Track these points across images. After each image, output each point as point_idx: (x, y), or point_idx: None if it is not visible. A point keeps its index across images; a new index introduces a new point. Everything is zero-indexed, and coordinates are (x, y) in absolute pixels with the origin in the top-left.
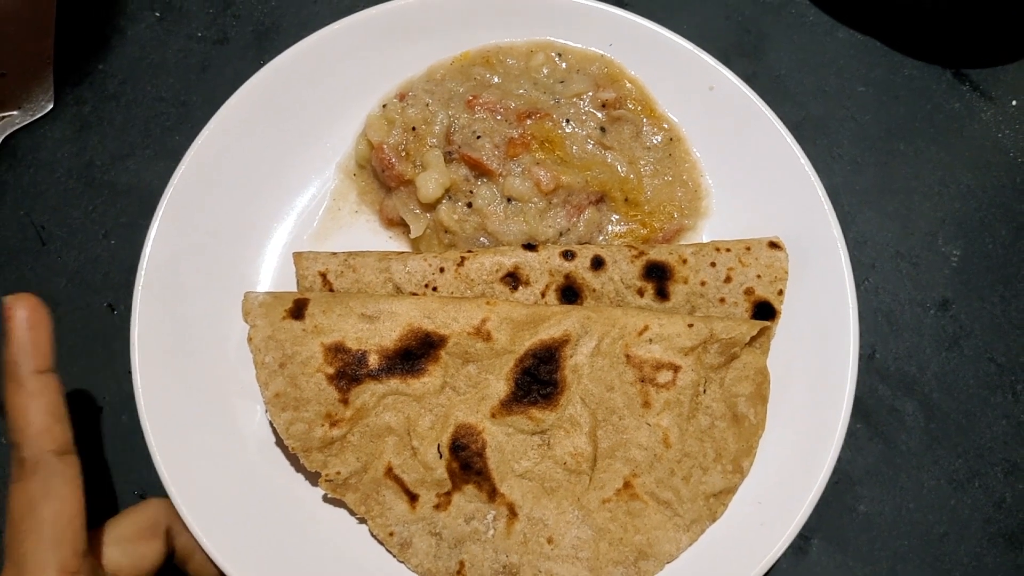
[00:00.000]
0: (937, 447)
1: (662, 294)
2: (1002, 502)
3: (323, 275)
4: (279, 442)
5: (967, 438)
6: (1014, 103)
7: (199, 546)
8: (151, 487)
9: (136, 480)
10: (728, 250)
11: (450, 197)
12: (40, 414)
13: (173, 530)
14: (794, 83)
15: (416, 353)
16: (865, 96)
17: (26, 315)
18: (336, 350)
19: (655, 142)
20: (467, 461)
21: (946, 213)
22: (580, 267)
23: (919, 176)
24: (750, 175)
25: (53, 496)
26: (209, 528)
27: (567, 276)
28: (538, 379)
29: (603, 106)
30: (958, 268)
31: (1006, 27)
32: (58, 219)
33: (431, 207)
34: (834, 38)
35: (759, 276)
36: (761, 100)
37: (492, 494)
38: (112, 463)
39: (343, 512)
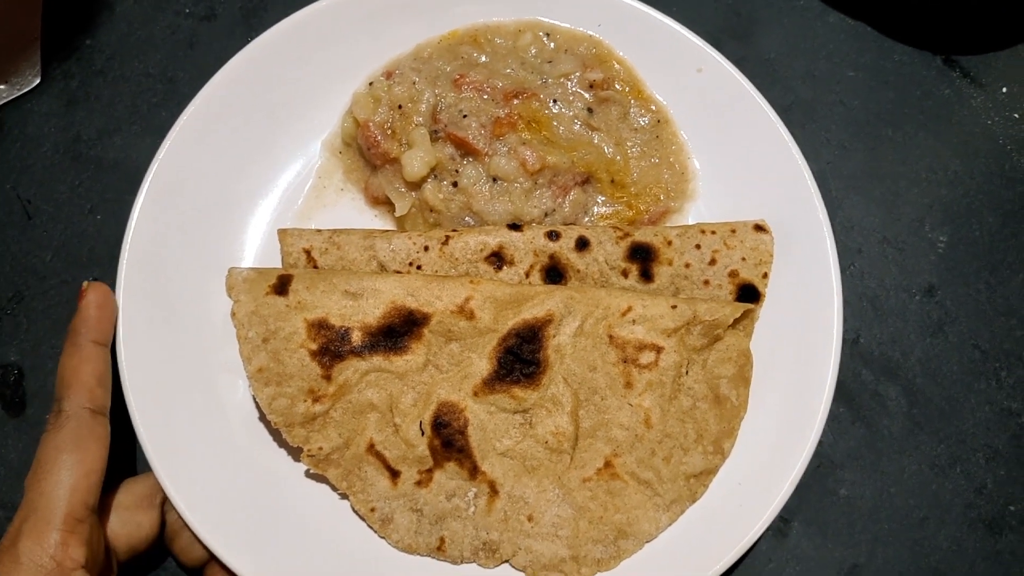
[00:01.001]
0: (919, 432)
1: (646, 275)
2: (983, 488)
3: (307, 252)
4: (262, 417)
5: (950, 424)
6: (1004, 90)
7: (185, 528)
8: (135, 461)
9: (121, 454)
10: (713, 232)
11: (435, 176)
12: (88, 375)
13: (167, 505)
14: (784, 67)
15: (399, 331)
16: (855, 81)
17: (96, 297)
18: (319, 326)
19: (642, 123)
20: (449, 439)
21: (933, 199)
22: (565, 247)
23: (907, 162)
24: (737, 158)
25: (79, 448)
26: (192, 502)
27: (552, 256)
28: (521, 358)
29: (591, 87)
30: (944, 254)
31: (997, 14)
32: (44, 193)
33: (416, 186)
34: (824, 22)
35: (744, 259)
36: (750, 83)
37: (473, 472)
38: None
39: (325, 488)
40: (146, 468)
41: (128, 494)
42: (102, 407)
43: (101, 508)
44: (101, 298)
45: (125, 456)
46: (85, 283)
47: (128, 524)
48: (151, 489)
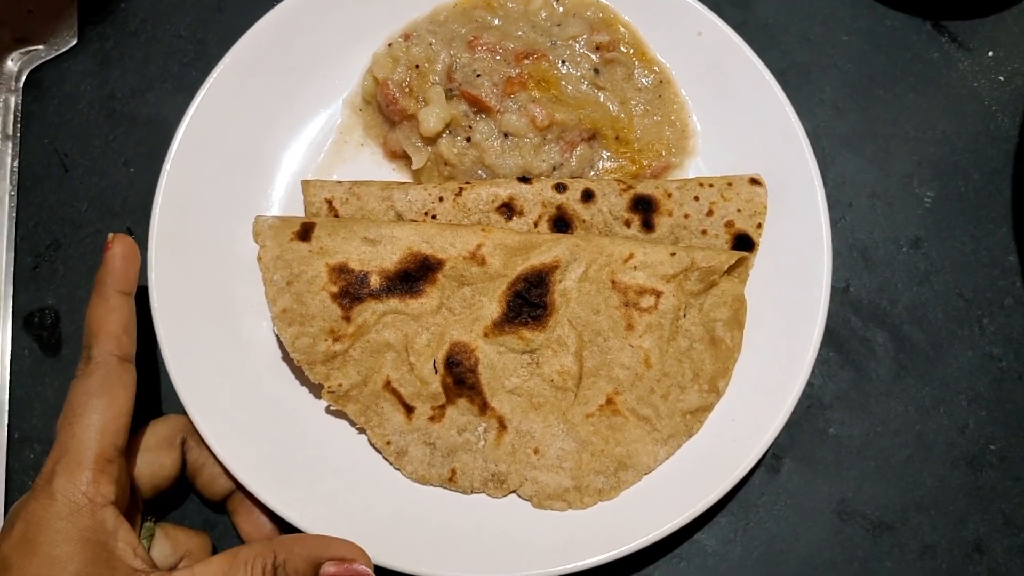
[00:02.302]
0: (905, 376)
1: (648, 225)
2: (965, 428)
3: (329, 202)
4: (285, 356)
5: (934, 368)
6: (990, 54)
7: (208, 462)
8: (166, 398)
9: (153, 390)
10: (711, 185)
11: (450, 131)
12: (114, 324)
13: (188, 444)
14: (781, 31)
15: (415, 275)
16: (848, 45)
17: (122, 249)
18: (340, 270)
19: (646, 84)
20: (460, 376)
21: (922, 157)
22: (571, 199)
23: (897, 122)
24: (735, 116)
25: (108, 393)
26: (219, 434)
27: (559, 207)
28: (529, 302)
29: (597, 49)
30: (931, 209)
31: None
32: (80, 148)
33: (432, 141)
34: None
35: (739, 210)
36: (748, 46)
37: (483, 408)
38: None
39: (344, 422)
40: (153, 416)
41: (150, 436)
42: (129, 354)
43: (127, 450)
44: (127, 249)
45: (151, 401)
46: (110, 235)
47: (152, 464)
48: (171, 430)
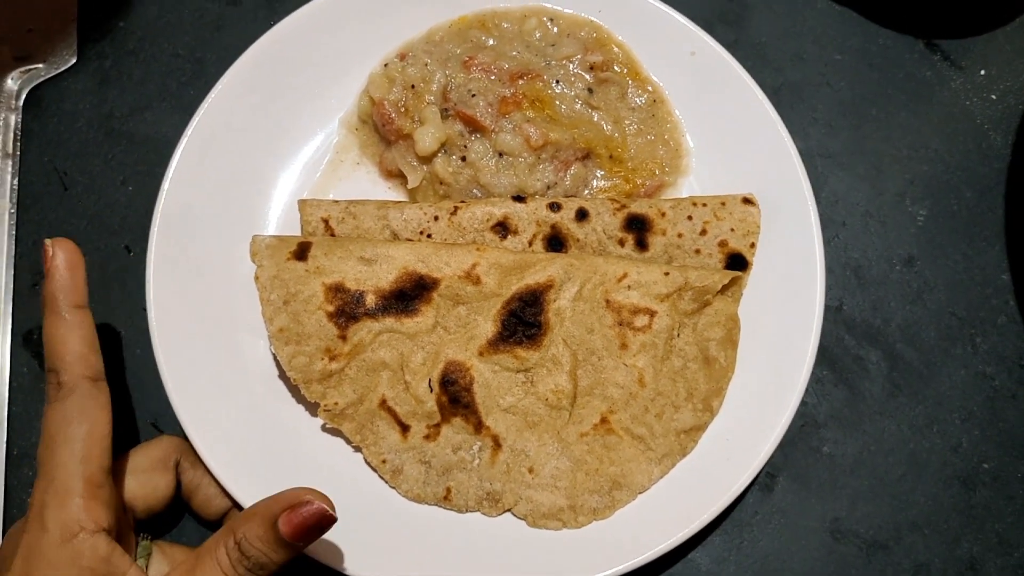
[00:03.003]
0: (899, 394)
1: (641, 245)
2: (958, 446)
3: (325, 221)
4: (282, 374)
5: (927, 386)
6: (982, 72)
7: (204, 482)
8: (163, 416)
9: (150, 409)
10: (704, 205)
11: (445, 151)
12: (77, 343)
13: (182, 465)
14: (774, 50)
15: (410, 294)
16: (841, 64)
17: (65, 256)
18: (336, 290)
19: (639, 103)
20: (456, 395)
21: (914, 175)
22: (565, 218)
23: (890, 140)
24: (728, 136)
25: (86, 416)
26: (215, 453)
27: (553, 226)
28: (523, 321)
29: (591, 68)
30: (924, 227)
31: (976, 1)
32: (79, 166)
33: (427, 160)
34: (813, 8)
35: (733, 229)
36: (741, 66)
37: (478, 426)
38: (128, 393)
39: (340, 441)
40: (150, 435)
41: (143, 458)
42: (98, 372)
43: (116, 472)
44: (70, 256)
45: (132, 427)
46: (47, 241)
47: (145, 486)
48: (165, 452)
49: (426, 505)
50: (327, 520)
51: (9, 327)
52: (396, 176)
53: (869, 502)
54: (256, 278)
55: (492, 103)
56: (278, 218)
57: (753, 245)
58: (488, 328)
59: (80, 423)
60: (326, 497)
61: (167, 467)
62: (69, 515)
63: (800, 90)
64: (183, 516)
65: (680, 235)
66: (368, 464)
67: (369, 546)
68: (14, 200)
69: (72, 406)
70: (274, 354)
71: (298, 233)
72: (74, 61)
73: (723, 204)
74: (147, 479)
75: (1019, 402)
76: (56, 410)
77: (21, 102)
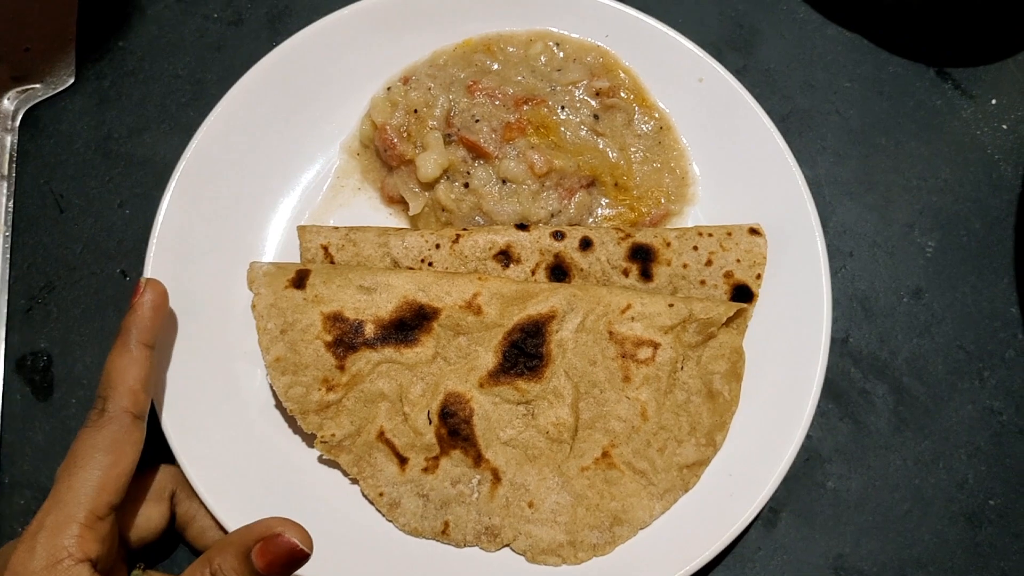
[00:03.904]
0: (905, 429)
1: (646, 275)
2: (964, 483)
3: (325, 248)
4: (278, 404)
5: (934, 421)
6: (993, 102)
7: (199, 514)
8: (157, 445)
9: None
10: (710, 235)
11: (448, 177)
12: (133, 378)
13: (177, 496)
14: (783, 77)
15: (410, 324)
16: (850, 91)
17: (153, 297)
18: (335, 319)
19: (646, 130)
20: (455, 427)
21: (923, 206)
22: (569, 247)
23: (899, 169)
24: (735, 164)
25: (116, 450)
26: (209, 484)
27: (556, 255)
28: (525, 352)
29: (597, 94)
30: (932, 259)
31: (988, 28)
32: (76, 188)
33: (430, 186)
34: (823, 35)
35: (739, 260)
36: (748, 93)
37: (478, 459)
38: None
39: (337, 473)
40: (145, 464)
41: (139, 489)
42: (143, 412)
43: None
44: (158, 299)
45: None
46: (143, 280)
47: (140, 516)
48: (160, 483)
49: (424, 539)
50: (299, 555)
51: (2, 352)
52: (398, 202)
53: (873, 539)
54: (253, 306)
55: (496, 129)
56: (277, 243)
57: (759, 276)
58: (489, 359)
59: (107, 453)
60: (301, 528)
61: (161, 498)
62: (60, 542)
63: (809, 118)
64: (177, 546)
65: (685, 265)
66: (366, 497)
67: None
68: (9, 222)
69: (106, 435)
70: (271, 384)
71: (298, 259)
72: (72, 81)
73: (729, 234)
74: (141, 510)
75: None
76: (89, 434)
77: (18, 123)
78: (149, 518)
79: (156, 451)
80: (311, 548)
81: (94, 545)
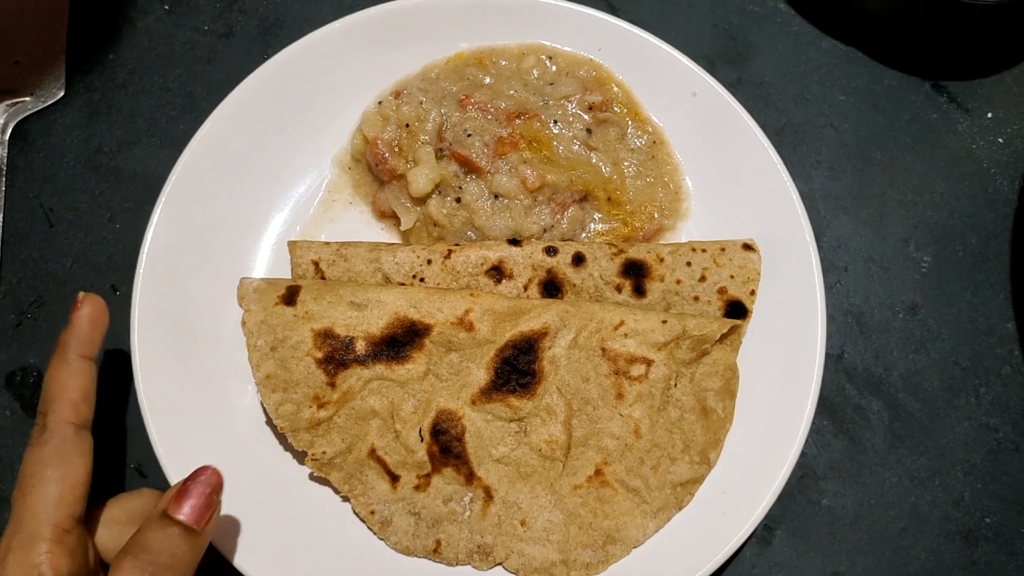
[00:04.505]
0: (900, 446)
1: (639, 291)
2: (960, 500)
3: (316, 263)
4: (269, 422)
5: (929, 438)
6: (989, 115)
7: None
8: (147, 461)
9: (133, 454)
10: (704, 250)
11: (440, 192)
12: (73, 390)
13: None
14: (777, 90)
15: (401, 341)
16: (845, 105)
17: (91, 310)
18: (325, 335)
19: (639, 144)
20: (447, 445)
21: (919, 220)
22: (562, 263)
23: (894, 184)
24: (729, 179)
25: (63, 462)
26: None
27: (549, 271)
28: (517, 369)
29: (590, 108)
30: (928, 274)
31: (984, 42)
32: (66, 202)
33: (421, 201)
34: (818, 48)
35: (732, 276)
36: (742, 107)
37: (470, 477)
38: (111, 437)
39: (328, 490)
40: (134, 480)
41: (120, 509)
42: (86, 421)
43: (90, 521)
44: (96, 312)
45: (115, 472)
46: (80, 294)
47: (117, 538)
48: (143, 505)
49: (416, 558)
50: (213, 480)
51: None
52: (389, 217)
53: (869, 556)
54: (243, 323)
55: (488, 143)
56: (268, 258)
57: (753, 292)
58: (481, 376)
59: (57, 467)
60: (212, 472)
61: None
62: (30, 560)
63: (803, 131)
64: None
65: (679, 281)
66: (357, 515)
67: None
68: None
69: (51, 450)
70: (261, 401)
71: (288, 273)
72: (62, 94)
73: (723, 250)
74: (119, 531)
75: (1023, 455)
76: (35, 452)
77: (7, 136)
78: None
79: (146, 467)
80: (221, 479)
81: (64, 559)
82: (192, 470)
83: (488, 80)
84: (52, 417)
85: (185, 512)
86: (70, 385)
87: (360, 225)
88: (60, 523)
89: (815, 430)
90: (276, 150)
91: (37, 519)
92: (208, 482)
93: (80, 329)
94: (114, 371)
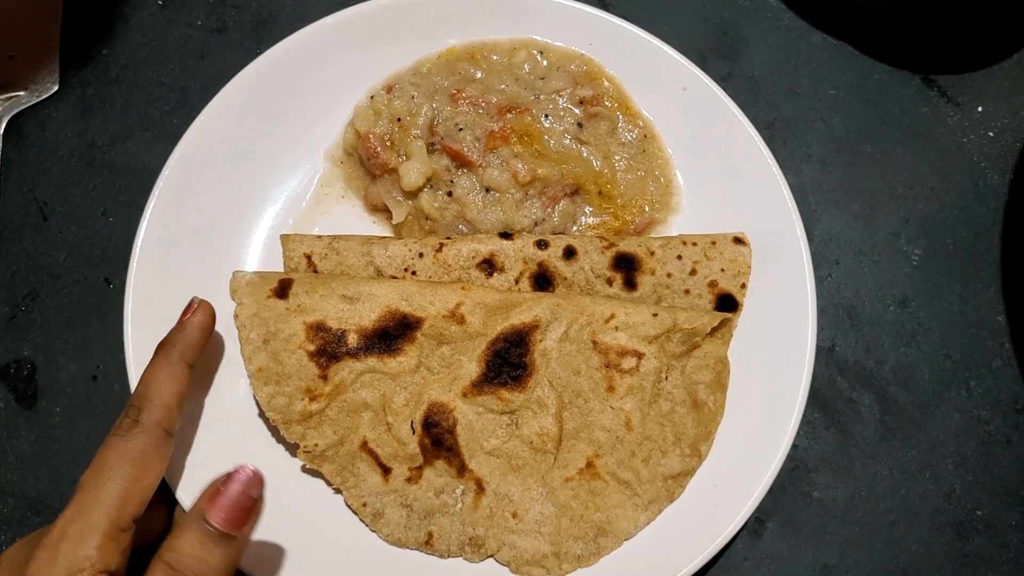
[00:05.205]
0: (891, 438)
1: (630, 284)
2: (951, 493)
3: (308, 257)
4: (261, 414)
5: (920, 431)
6: (979, 109)
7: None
8: None
9: None
10: (694, 244)
11: (432, 186)
12: (170, 394)
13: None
14: (768, 84)
15: (393, 334)
16: (836, 99)
17: (202, 318)
18: (317, 328)
19: (630, 138)
20: (438, 437)
21: (909, 213)
22: (553, 256)
23: (885, 177)
24: (719, 173)
25: (144, 463)
26: (191, 493)
27: (540, 264)
28: (508, 362)
29: (581, 103)
30: (918, 267)
31: (974, 35)
32: (60, 196)
33: (413, 195)
34: (808, 42)
35: (723, 270)
36: (732, 101)
37: (461, 469)
38: (104, 430)
39: (319, 483)
40: None
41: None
42: (173, 428)
43: None
44: (206, 321)
45: None
46: (195, 299)
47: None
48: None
49: (407, 550)
50: (253, 486)
51: None
52: (381, 210)
53: (860, 549)
54: (236, 316)
55: (480, 137)
56: (261, 251)
57: (744, 286)
58: (472, 369)
59: (136, 465)
60: (244, 468)
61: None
62: (82, 552)
63: (794, 125)
64: None
65: (669, 275)
66: (349, 507)
67: None
68: None
69: (136, 445)
70: (254, 394)
71: (281, 266)
72: (56, 89)
73: (713, 243)
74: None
75: (1014, 448)
76: (120, 443)
77: (1, 130)
78: (149, 530)
79: None
80: (262, 480)
81: (115, 557)
82: (228, 469)
83: (479, 75)
84: (146, 415)
85: (220, 517)
86: (168, 387)
87: (352, 219)
88: (120, 521)
89: (806, 423)
90: (269, 144)
91: (101, 510)
92: (245, 481)
93: (190, 335)
94: (108, 363)
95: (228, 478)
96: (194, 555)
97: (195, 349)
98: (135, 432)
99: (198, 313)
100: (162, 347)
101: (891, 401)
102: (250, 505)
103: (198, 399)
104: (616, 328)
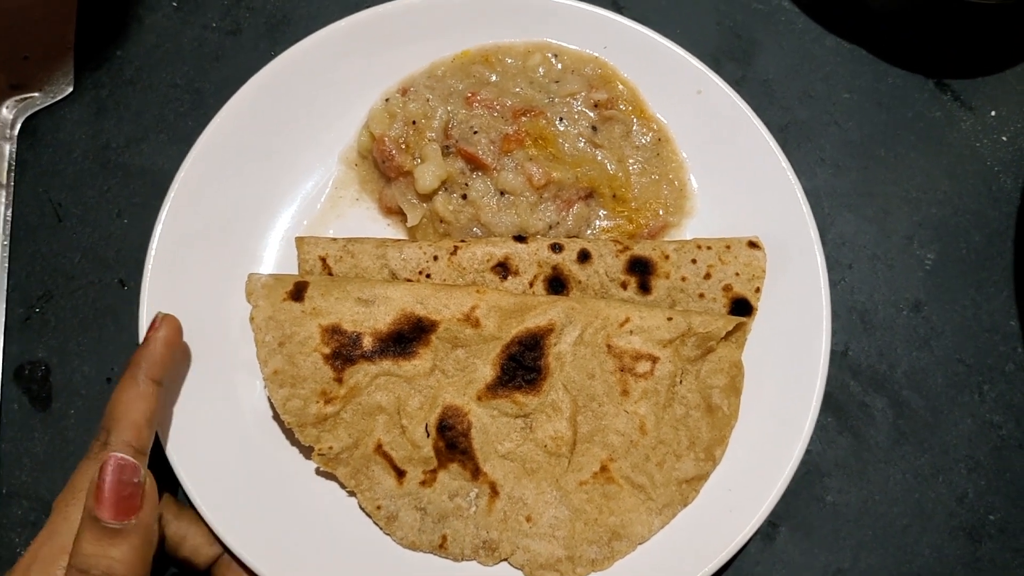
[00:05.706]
0: (904, 443)
1: (644, 288)
2: (964, 497)
3: (323, 259)
4: (276, 417)
5: (933, 435)
6: (993, 113)
7: (190, 532)
8: (154, 456)
9: None
10: (709, 248)
11: (446, 189)
12: (138, 413)
13: (164, 518)
14: (782, 88)
15: (408, 337)
16: (850, 102)
17: (167, 333)
18: (333, 331)
19: (644, 142)
20: (453, 441)
21: (923, 218)
22: (567, 259)
23: (898, 181)
24: (734, 176)
25: None
26: (206, 496)
27: (555, 268)
28: (523, 365)
29: (595, 106)
30: (932, 271)
31: (988, 40)
32: (74, 197)
33: (428, 198)
34: (822, 45)
35: (738, 274)
36: (747, 104)
37: (475, 473)
38: None
39: (334, 485)
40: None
41: None
42: (145, 447)
43: None
44: (172, 335)
45: None
46: (159, 314)
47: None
48: None
49: (421, 553)
50: (127, 468)
51: (0, 361)
52: (396, 213)
53: (873, 553)
54: (251, 319)
55: (494, 140)
56: (276, 253)
57: (758, 290)
58: (487, 372)
59: None
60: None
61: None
62: (54, 573)
63: (808, 129)
64: (168, 568)
65: (684, 279)
66: (363, 510)
67: None
68: (7, 231)
69: None
70: (269, 397)
71: (295, 270)
72: (70, 90)
73: (728, 247)
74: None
75: None
76: (90, 467)
77: (16, 131)
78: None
79: (151, 454)
80: (136, 466)
81: None
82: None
83: (494, 78)
84: (115, 436)
85: (107, 511)
86: (136, 407)
87: (367, 221)
88: None
89: (819, 427)
90: (283, 147)
91: (72, 532)
92: (116, 469)
93: (154, 351)
94: (123, 365)
95: (100, 470)
96: (96, 553)
97: (161, 365)
98: (104, 455)
99: (162, 328)
100: (128, 367)
101: (904, 405)
102: (132, 491)
103: (213, 402)
104: (631, 332)
